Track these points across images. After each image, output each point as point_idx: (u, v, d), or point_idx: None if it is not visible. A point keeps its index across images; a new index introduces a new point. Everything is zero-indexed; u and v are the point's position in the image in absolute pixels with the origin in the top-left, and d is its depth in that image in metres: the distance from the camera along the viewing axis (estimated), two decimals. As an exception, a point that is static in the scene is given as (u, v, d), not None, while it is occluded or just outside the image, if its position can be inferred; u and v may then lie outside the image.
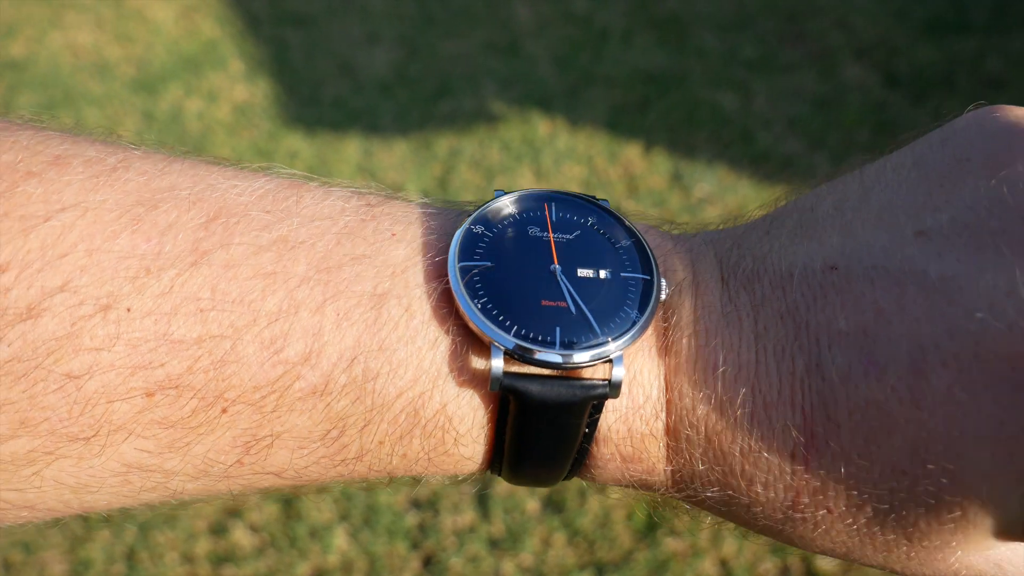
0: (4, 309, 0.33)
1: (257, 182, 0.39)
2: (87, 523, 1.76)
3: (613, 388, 0.37)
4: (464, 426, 0.38)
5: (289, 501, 1.79)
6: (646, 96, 3.08)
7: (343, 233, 0.38)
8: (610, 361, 0.37)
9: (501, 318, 0.37)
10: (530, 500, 1.78)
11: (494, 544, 1.72)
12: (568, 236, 0.41)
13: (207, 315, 0.35)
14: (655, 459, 0.39)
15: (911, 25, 3.37)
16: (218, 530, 1.75)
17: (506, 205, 0.42)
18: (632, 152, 2.80)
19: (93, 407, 0.34)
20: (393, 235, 0.39)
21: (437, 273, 0.38)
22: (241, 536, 1.73)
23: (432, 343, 0.37)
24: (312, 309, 0.36)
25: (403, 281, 0.38)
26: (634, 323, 0.38)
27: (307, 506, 1.78)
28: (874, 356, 0.34)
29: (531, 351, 0.37)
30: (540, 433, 0.38)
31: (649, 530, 1.73)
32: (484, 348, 0.38)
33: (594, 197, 0.44)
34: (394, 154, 2.84)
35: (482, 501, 1.78)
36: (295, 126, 2.99)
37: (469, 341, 0.38)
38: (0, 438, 0.34)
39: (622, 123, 2.94)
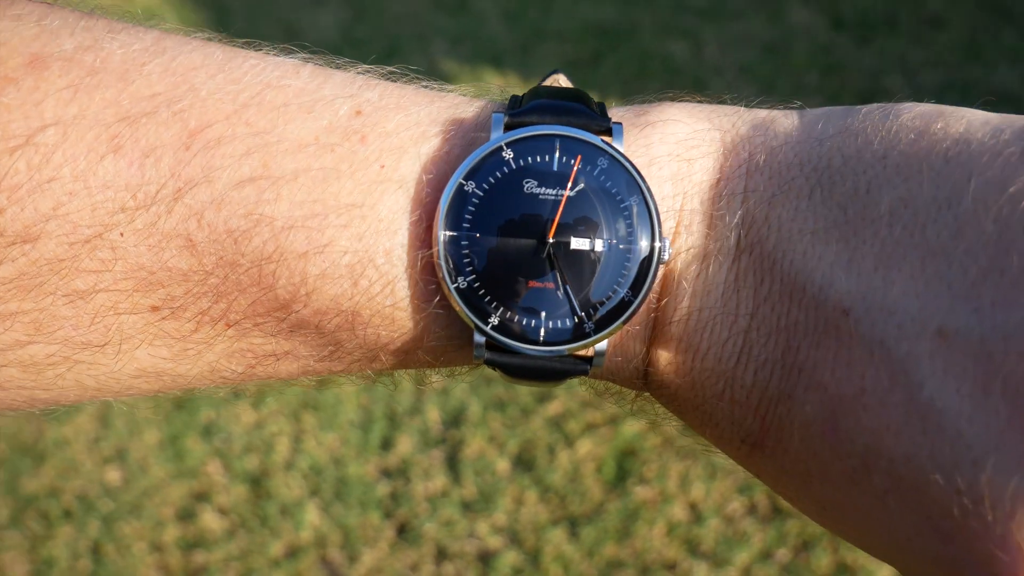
0: (2, 229, 0.34)
1: (241, 81, 0.37)
2: (48, 521, 1.74)
3: (594, 367, 0.38)
4: (457, 360, 0.40)
5: (257, 480, 1.78)
6: (598, 49, 3.06)
7: (329, 169, 0.36)
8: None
9: (487, 299, 0.37)
10: (500, 460, 1.79)
11: (467, 507, 1.73)
12: (568, 193, 0.38)
13: (196, 248, 0.36)
14: (631, 391, 0.42)
15: (855, -35, 3.37)
16: (185, 515, 1.73)
17: (504, 148, 0.38)
18: (585, 107, 2.78)
19: (103, 318, 0.36)
20: (382, 168, 0.37)
21: (425, 240, 0.37)
22: (210, 520, 1.72)
23: (417, 311, 0.38)
24: (297, 254, 0.36)
25: (389, 243, 0.37)
26: (623, 309, 0.37)
27: (276, 484, 1.77)
28: (838, 429, 0.34)
29: (508, 341, 0.37)
30: (526, 381, 0.40)
31: (619, 480, 1.75)
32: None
33: (609, 123, 0.39)
34: (344, 121, 2.79)
35: (452, 465, 1.79)
36: (240, 97, 2.92)
37: (453, 315, 0.38)
38: (19, 343, 0.36)
39: (575, 77, 2.89)
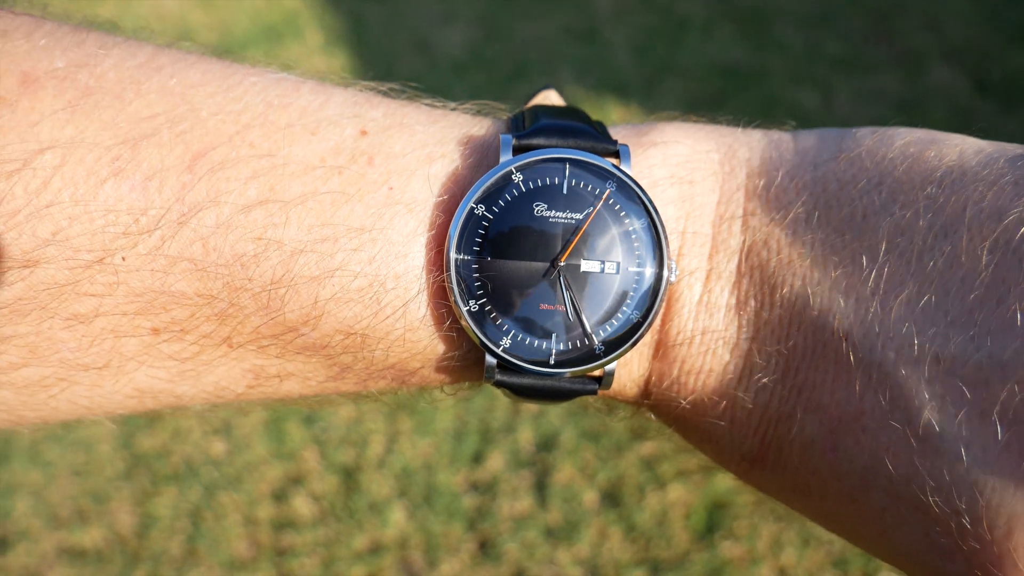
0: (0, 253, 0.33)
1: (242, 100, 0.36)
2: (155, 478, 1.81)
3: (603, 386, 0.39)
4: (466, 378, 0.41)
5: (350, 473, 1.82)
6: (723, 90, 3.03)
7: (338, 192, 0.36)
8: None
9: (499, 322, 0.37)
10: (588, 491, 1.77)
11: (550, 533, 1.71)
12: (578, 216, 0.38)
13: (202, 273, 0.35)
14: (631, 406, 0.42)
15: (1004, 29, 3.24)
16: (280, 496, 1.78)
17: (514, 172, 0.38)
18: (707, 146, 2.75)
19: (102, 341, 0.35)
20: (391, 190, 0.37)
21: (436, 263, 0.37)
22: (302, 504, 1.76)
23: (429, 333, 0.38)
24: (308, 278, 0.36)
25: (401, 267, 0.36)
26: (633, 331, 0.38)
27: (367, 479, 1.80)
28: (837, 449, 0.35)
29: (519, 364, 0.38)
30: (535, 401, 0.40)
31: (708, 532, 1.71)
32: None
33: (616, 145, 0.39)
34: (466, 134, 2.84)
35: (540, 489, 1.78)
36: (369, 101, 3.01)
37: (464, 336, 0.38)
38: (13, 366, 0.35)
39: (698, 115, 2.89)
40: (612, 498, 1.77)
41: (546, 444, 1.86)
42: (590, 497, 1.77)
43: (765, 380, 0.36)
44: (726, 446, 0.39)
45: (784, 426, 0.36)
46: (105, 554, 1.69)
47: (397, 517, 1.74)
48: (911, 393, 0.32)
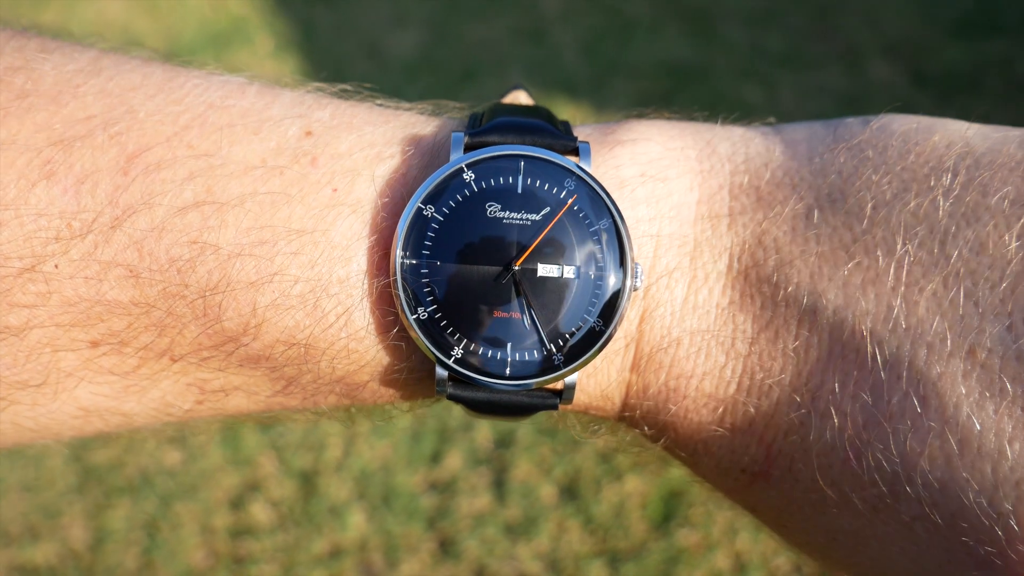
0: None
1: (183, 102, 0.35)
2: (108, 492, 1.79)
3: (563, 400, 0.37)
4: (418, 393, 0.38)
5: (308, 477, 1.81)
6: (670, 87, 3.07)
7: (278, 193, 0.34)
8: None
9: (450, 330, 0.35)
10: (546, 486, 1.79)
11: (509, 529, 1.73)
12: (534, 217, 0.35)
13: (137, 280, 0.34)
14: (608, 420, 0.39)
15: (940, 24, 3.34)
16: (237, 504, 1.76)
17: (464, 170, 0.36)
18: (656, 143, 2.78)
19: (38, 356, 0.34)
20: (335, 191, 0.35)
21: (381, 267, 0.35)
22: (259, 511, 1.75)
23: (375, 343, 0.36)
24: (245, 284, 0.34)
25: (344, 271, 0.35)
26: (594, 339, 0.35)
27: (326, 483, 1.80)
28: (862, 457, 0.32)
29: (472, 375, 0.35)
30: (492, 416, 0.38)
31: (664, 521, 1.74)
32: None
33: (575, 142, 0.37)
34: (418, 137, 2.84)
35: (498, 486, 1.79)
36: (320, 106, 2.99)
37: (413, 346, 0.36)
38: None
39: (646, 114, 2.93)
40: (570, 492, 1.79)
41: (503, 441, 1.87)
42: (548, 492, 1.78)
43: (770, 384, 0.34)
44: (724, 457, 0.36)
45: (796, 434, 0.34)
46: (58, 570, 1.66)
47: (356, 520, 1.74)
48: (947, 391, 0.31)
